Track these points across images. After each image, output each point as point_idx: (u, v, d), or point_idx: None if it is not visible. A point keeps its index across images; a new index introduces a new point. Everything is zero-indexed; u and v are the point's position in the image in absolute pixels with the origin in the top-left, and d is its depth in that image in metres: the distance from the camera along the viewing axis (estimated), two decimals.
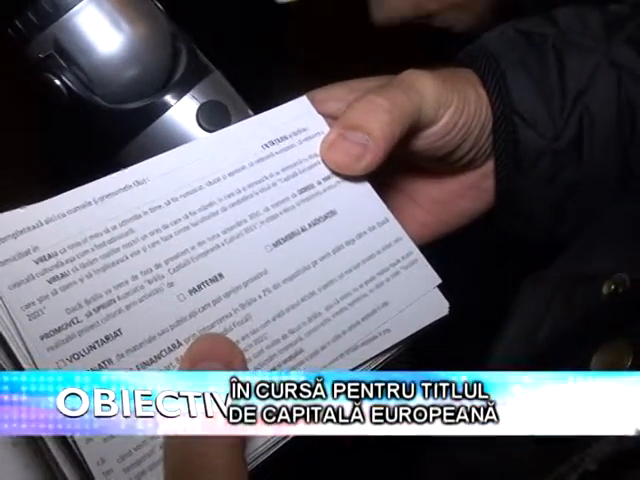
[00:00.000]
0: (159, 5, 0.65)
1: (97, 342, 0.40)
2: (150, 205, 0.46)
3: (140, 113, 0.62)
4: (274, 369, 0.44)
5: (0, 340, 0.40)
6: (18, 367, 0.40)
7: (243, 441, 0.39)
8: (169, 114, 0.62)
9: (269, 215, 0.49)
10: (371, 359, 0.48)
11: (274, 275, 0.47)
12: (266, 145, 0.52)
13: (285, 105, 0.55)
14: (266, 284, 0.46)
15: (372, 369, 0.48)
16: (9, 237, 0.41)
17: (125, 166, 0.47)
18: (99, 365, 0.40)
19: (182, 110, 0.62)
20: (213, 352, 0.40)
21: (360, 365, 0.47)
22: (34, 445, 0.46)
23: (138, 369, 0.41)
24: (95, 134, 0.65)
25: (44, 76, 0.62)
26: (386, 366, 0.49)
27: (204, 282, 0.45)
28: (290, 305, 0.46)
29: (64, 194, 0.44)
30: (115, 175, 0.46)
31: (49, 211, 0.43)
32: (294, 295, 0.47)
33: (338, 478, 0.76)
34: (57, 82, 0.62)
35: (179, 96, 0.63)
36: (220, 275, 0.45)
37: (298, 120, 0.54)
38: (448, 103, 0.59)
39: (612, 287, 0.56)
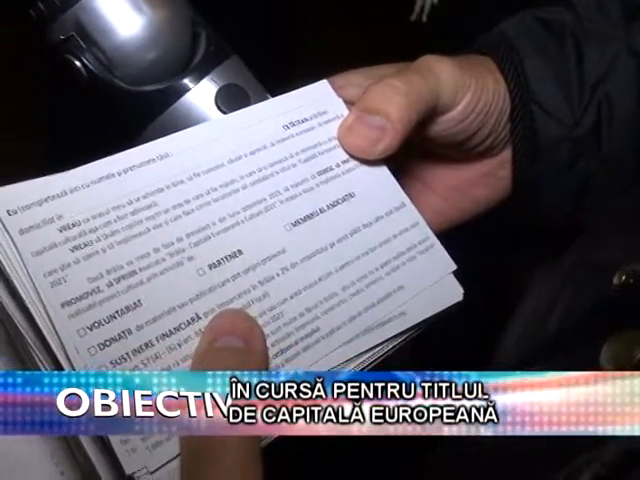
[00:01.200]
0: None
1: (117, 312, 0.41)
2: (173, 179, 0.46)
3: (159, 95, 0.63)
4: (290, 346, 0.45)
5: (22, 307, 0.41)
6: (39, 333, 0.40)
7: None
8: (188, 97, 0.63)
9: (289, 195, 0.49)
10: (386, 341, 0.48)
11: (292, 254, 0.47)
12: (287, 126, 0.52)
13: (306, 88, 0.55)
14: (284, 263, 0.47)
15: (386, 352, 0.49)
16: (34, 204, 0.42)
17: None
18: (119, 335, 0.40)
19: (201, 93, 0.63)
20: (234, 327, 0.41)
21: (375, 347, 0.47)
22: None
23: (157, 341, 0.41)
24: (114, 116, 0.65)
25: (65, 57, 0.63)
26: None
27: (224, 258, 0.45)
28: (307, 284, 0.47)
29: (89, 165, 0.44)
30: (139, 148, 0.46)
31: (74, 181, 0.43)
32: (311, 275, 0.47)
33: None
34: (77, 63, 0.62)
35: (198, 79, 0.63)
36: (239, 252, 0.46)
37: (318, 103, 0.54)
38: (466, 88, 0.59)
39: (623, 278, 0.56)
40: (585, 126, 0.64)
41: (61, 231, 0.42)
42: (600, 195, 0.67)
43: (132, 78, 0.63)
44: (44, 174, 0.43)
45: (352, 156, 0.53)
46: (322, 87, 0.56)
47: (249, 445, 0.38)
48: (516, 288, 0.68)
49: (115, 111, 0.65)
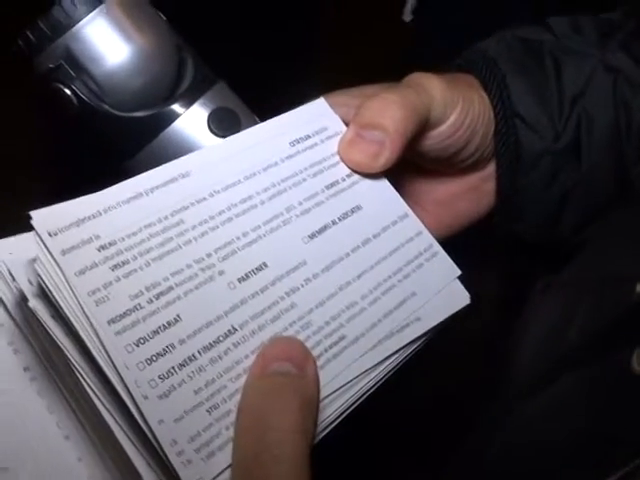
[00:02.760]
0: (163, 16, 0.66)
1: (160, 327, 0.41)
2: (196, 197, 0.47)
3: (150, 121, 0.64)
4: (321, 354, 0.46)
5: (66, 326, 0.41)
6: (86, 351, 0.41)
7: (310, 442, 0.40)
8: (179, 122, 0.64)
9: (303, 209, 0.51)
10: (405, 346, 0.49)
11: (313, 265, 0.49)
12: (292, 143, 0.53)
13: (304, 107, 0.56)
14: (307, 274, 0.48)
15: (404, 358, 0.50)
16: (72, 225, 0.42)
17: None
18: (164, 350, 0.41)
19: (192, 117, 0.64)
20: (288, 354, 0.42)
21: (394, 353, 0.49)
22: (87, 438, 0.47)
23: (200, 354, 0.42)
24: (105, 143, 0.66)
25: (54, 86, 0.63)
26: None
27: (251, 271, 0.46)
28: (329, 294, 0.48)
29: (116, 186, 0.45)
30: (160, 169, 0.48)
31: (105, 201, 0.44)
32: (332, 285, 0.49)
33: None
34: (67, 91, 0.63)
35: (188, 104, 0.64)
36: (264, 264, 0.47)
37: (318, 120, 0.56)
38: (454, 103, 0.61)
39: None
40: (565, 140, 0.66)
41: (99, 250, 0.42)
42: (580, 209, 0.69)
43: (122, 104, 0.63)
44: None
45: (354, 170, 0.55)
46: (319, 105, 0.57)
47: (300, 456, 0.39)
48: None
49: (106, 138, 0.65)
